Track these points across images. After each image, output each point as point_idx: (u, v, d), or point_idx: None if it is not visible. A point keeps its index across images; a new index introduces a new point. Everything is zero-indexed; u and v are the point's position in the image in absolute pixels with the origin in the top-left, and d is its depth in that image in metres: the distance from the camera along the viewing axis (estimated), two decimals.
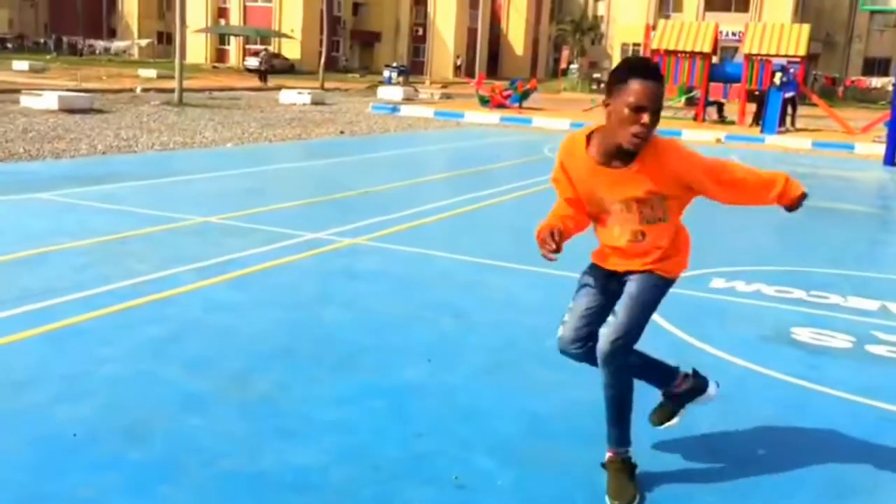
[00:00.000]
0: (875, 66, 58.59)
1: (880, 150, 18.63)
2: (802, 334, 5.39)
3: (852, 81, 53.98)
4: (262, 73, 37.27)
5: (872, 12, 55.03)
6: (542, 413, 3.90)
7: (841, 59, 60.33)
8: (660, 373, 3.37)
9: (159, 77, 34.65)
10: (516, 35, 73.17)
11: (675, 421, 3.42)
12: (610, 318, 3.07)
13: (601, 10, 69.59)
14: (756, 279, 6.66)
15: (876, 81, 53.59)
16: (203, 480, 3.11)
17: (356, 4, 64.33)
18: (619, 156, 2.92)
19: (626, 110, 2.79)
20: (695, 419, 3.62)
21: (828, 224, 10.06)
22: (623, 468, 3.19)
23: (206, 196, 9.42)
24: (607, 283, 3.15)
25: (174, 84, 23.68)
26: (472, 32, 61.25)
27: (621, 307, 3.05)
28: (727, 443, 3.69)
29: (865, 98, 50.01)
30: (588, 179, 3.00)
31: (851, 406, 4.23)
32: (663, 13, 52.36)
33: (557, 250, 2.93)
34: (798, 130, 24.34)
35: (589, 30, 62.02)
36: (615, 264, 3.13)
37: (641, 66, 2.84)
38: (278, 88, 30.43)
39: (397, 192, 10.46)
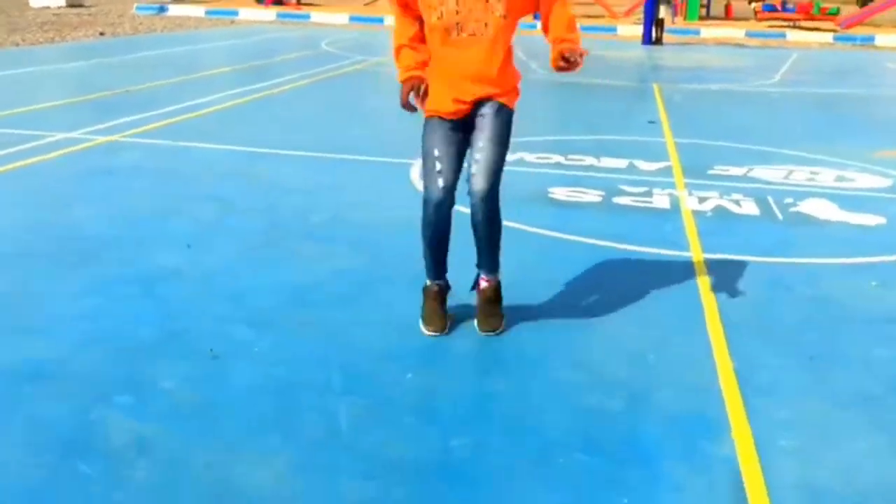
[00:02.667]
0: None
1: (640, 31, 19.76)
2: (559, 193, 5.69)
3: None
4: None
5: None
6: (304, 284, 3.89)
7: None
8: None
9: None
10: None
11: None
12: (476, 159, 3.17)
13: None
14: (518, 149, 6.88)
15: None
16: None
17: None
18: None
19: None
20: (456, 261, 3.72)
21: (587, 98, 10.59)
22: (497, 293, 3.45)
23: None
24: (455, 133, 3.22)
25: None
26: None
27: (484, 148, 3.16)
28: None
29: None
30: None
31: (597, 249, 4.54)
32: None
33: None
34: None
35: None
36: (462, 92, 3.15)
37: None
38: None
39: (163, 90, 9.85)
